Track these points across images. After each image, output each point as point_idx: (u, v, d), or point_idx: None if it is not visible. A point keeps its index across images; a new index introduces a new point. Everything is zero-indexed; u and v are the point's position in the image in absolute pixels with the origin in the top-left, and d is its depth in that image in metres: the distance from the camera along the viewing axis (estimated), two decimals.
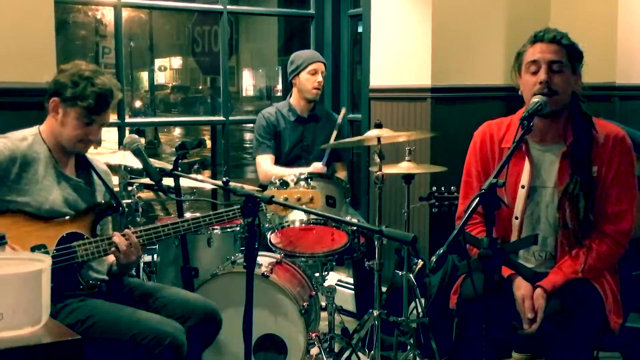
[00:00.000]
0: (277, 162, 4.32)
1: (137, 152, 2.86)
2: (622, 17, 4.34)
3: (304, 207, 2.81)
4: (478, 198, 2.10)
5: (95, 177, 2.87)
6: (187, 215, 3.89)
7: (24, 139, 2.71)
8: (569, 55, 2.65)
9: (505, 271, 2.63)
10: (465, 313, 2.62)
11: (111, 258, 2.78)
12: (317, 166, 4.14)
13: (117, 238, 2.68)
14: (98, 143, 2.81)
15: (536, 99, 2.55)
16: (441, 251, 2.04)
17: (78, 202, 2.76)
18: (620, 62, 4.36)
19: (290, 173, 3.72)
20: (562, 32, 2.70)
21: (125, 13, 4.88)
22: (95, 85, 2.68)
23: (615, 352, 3.66)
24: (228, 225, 3.76)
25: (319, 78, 4.31)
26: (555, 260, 2.71)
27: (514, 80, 2.76)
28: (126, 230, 2.71)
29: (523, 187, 2.72)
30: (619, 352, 3.53)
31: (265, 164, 4.27)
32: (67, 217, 2.70)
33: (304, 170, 3.91)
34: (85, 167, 2.87)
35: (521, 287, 2.61)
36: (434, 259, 2.05)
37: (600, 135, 2.67)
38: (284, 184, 3.42)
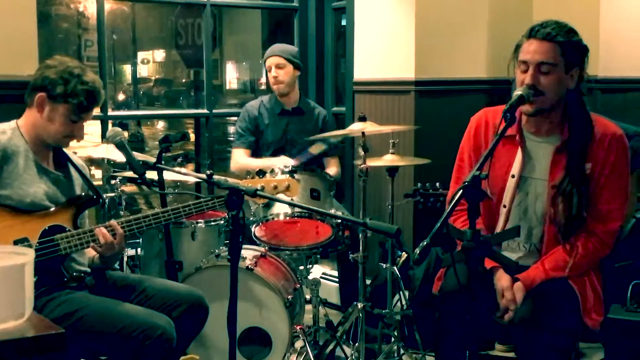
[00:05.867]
0: (261, 154, 4.33)
1: (120, 145, 2.84)
2: (604, 11, 4.38)
3: (282, 196, 2.81)
4: (461, 190, 2.11)
5: (72, 170, 2.86)
6: None
7: (2, 132, 2.70)
8: (564, 52, 2.58)
9: (488, 263, 2.64)
10: (447, 305, 2.63)
11: (92, 252, 2.77)
12: (288, 162, 4.12)
13: (99, 231, 2.67)
14: (81, 137, 2.80)
15: (518, 91, 2.54)
16: (425, 243, 2.05)
17: (58, 195, 2.76)
18: (602, 55, 4.40)
19: (263, 164, 3.73)
20: (562, 24, 2.62)
21: (108, 5, 4.86)
22: (85, 84, 2.68)
23: (597, 343, 3.70)
24: (212, 219, 3.76)
25: (274, 73, 4.30)
26: (540, 253, 2.72)
27: (512, 71, 2.70)
28: (110, 221, 2.70)
29: (513, 176, 2.72)
30: (601, 344, 3.56)
31: (239, 157, 4.31)
32: (49, 210, 2.69)
33: (288, 163, 3.92)
34: (62, 161, 2.86)
35: (501, 278, 2.63)
36: (417, 251, 2.06)
37: (598, 133, 2.64)
38: (261, 172, 3.41)
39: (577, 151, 2.62)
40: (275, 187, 2.83)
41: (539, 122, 2.70)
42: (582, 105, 2.68)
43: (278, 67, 4.30)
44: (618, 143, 2.65)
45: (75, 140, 2.80)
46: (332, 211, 3.54)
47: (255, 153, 4.36)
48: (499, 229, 2.74)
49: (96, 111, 2.87)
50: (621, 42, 4.46)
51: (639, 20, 4.64)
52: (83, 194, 2.82)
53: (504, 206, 2.73)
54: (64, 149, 2.87)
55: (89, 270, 2.83)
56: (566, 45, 2.58)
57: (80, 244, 2.66)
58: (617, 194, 2.66)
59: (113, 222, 2.70)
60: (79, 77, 2.68)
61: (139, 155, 3.01)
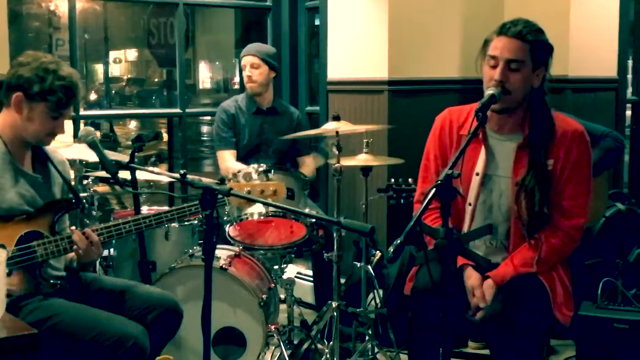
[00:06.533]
0: (238, 154, 4.32)
1: (92, 145, 2.82)
2: (574, 11, 4.43)
3: (268, 200, 2.80)
4: (434, 189, 2.12)
5: (53, 170, 2.81)
6: (144, 208, 3.88)
7: None
8: (533, 51, 2.61)
9: (459, 261, 2.66)
10: (420, 303, 2.64)
11: (70, 254, 2.74)
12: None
13: (77, 236, 2.63)
14: (62, 132, 2.75)
15: (490, 91, 2.57)
16: (398, 241, 2.06)
17: (36, 198, 2.70)
18: (573, 55, 4.44)
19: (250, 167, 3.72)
20: (532, 24, 2.65)
21: (80, 4, 4.81)
22: (62, 79, 2.62)
23: (568, 340, 3.75)
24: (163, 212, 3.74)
25: (248, 72, 4.30)
26: (507, 250, 2.74)
27: (479, 68, 2.73)
28: (86, 229, 2.66)
29: (477, 174, 2.74)
30: (572, 340, 3.61)
31: (227, 160, 4.26)
32: (25, 216, 2.64)
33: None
34: (42, 160, 2.81)
35: (471, 277, 2.66)
36: (391, 249, 2.06)
37: (559, 130, 2.68)
38: (246, 176, 3.41)
39: (538, 148, 2.65)
40: (262, 192, 2.83)
41: (502, 121, 2.73)
42: (544, 103, 2.71)
43: (252, 66, 4.30)
44: (579, 140, 2.69)
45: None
46: (307, 210, 3.55)
47: None
48: (465, 227, 2.77)
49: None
50: (591, 42, 4.51)
51: (609, 21, 4.70)
52: (61, 198, 2.77)
53: (469, 204, 2.76)
54: (45, 148, 2.81)
55: (64, 274, 2.79)
56: (535, 44, 2.61)
57: (57, 250, 2.62)
58: (580, 189, 2.69)
59: (88, 230, 2.65)
60: (54, 72, 2.62)
61: (111, 155, 2.99)
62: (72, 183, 2.94)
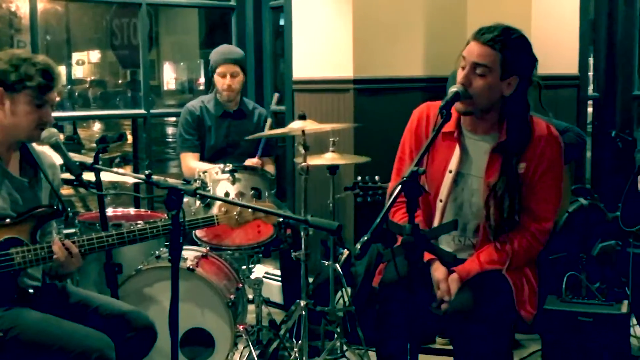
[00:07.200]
0: (203, 156, 4.29)
1: (55, 146, 2.77)
2: (535, 9, 4.48)
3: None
4: (400, 186, 2.13)
5: (42, 175, 2.74)
6: (109, 210, 3.84)
7: None
8: (504, 60, 2.57)
9: (426, 256, 2.68)
10: (387, 297, 2.65)
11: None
12: (252, 160, 4.14)
13: (57, 247, 2.57)
14: (51, 122, 2.68)
15: (454, 88, 2.58)
16: (365, 238, 2.07)
17: (20, 203, 2.64)
18: (535, 52, 4.49)
19: (215, 167, 3.71)
20: (511, 32, 2.61)
21: (41, 5, 4.75)
22: (37, 64, 2.58)
23: (534, 334, 3.79)
24: (151, 220, 3.71)
25: (227, 81, 4.24)
26: (475, 247, 2.76)
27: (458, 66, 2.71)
28: (65, 241, 2.61)
29: (450, 172, 2.75)
30: (538, 334, 3.65)
31: (190, 161, 4.23)
32: (7, 221, 2.57)
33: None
34: (30, 163, 2.74)
35: (437, 270, 2.68)
36: (358, 245, 2.07)
37: (534, 134, 2.68)
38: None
39: (512, 154, 2.66)
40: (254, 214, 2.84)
41: (476, 121, 2.74)
42: (522, 111, 2.69)
43: (232, 75, 4.25)
44: (553, 144, 2.70)
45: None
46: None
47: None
48: (435, 223, 2.79)
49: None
50: (553, 40, 4.57)
51: (570, 19, 4.77)
52: (46, 205, 2.70)
53: (440, 201, 2.77)
54: (35, 151, 2.74)
55: (39, 284, 2.72)
56: (507, 54, 2.58)
57: (36, 259, 2.56)
58: (551, 193, 2.71)
59: (67, 241, 2.60)
60: (28, 60, 2.58)
61: (75, 157, 2.95)
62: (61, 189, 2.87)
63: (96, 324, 2.63)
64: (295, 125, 3.57)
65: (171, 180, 2.66)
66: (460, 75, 2.62)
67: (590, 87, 5.37)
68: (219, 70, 4.25)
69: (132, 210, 4.05)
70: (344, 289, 3.75)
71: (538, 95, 2.73)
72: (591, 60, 5.39)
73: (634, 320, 3.61)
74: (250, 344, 3.45)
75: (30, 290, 2.64)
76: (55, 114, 2.75)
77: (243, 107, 4.40)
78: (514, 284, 2.68)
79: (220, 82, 4.25)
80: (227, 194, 3.46)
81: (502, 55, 2.58)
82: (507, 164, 2.66)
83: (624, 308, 3.17)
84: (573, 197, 3.99)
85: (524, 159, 2.67)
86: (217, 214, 2.88)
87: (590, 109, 5.43)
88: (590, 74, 5.37)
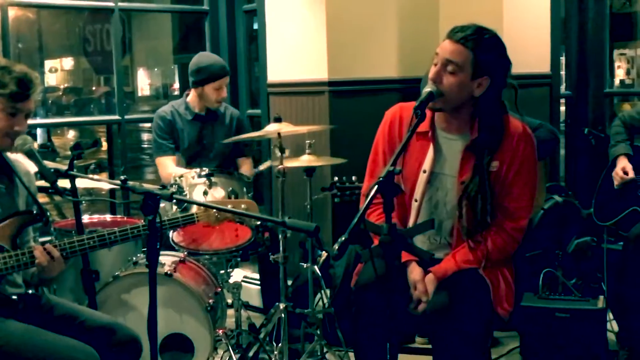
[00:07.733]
0: (177, 159, 4.28)
1: (29, 154, 2.74)
2: (507, 8, 4.52)
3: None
4: (377, 186, 2.14)
5: (18, 181, 2.71)
6: (85, 217, 3.81)
7: None
8: (475, 59, 2.57)
9: (403, 256, 2.69)
10: (363, 297, 2.65)
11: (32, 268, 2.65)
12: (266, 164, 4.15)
13: (38, 252, 2.55)
14: (24, 130, 2.66)
15: (428, 88, 2.60)
16: (343, 238, 2.07)
17: None
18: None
19: (191, 171, 3.70)
20: (485, 33, 2.61)
21: (12, 12, 4.70)
22: (12, 73, 2.56)
23: (512, 331, 3.82)
24: (128, 226, 3.69)
25: (224, 93, 4.25)
26: (450, 246, 2.77)
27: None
28: (46, 245, 2.58)
29: (425, 171, 2.75)
30: (516, 331, 3.68)
31: (168, 166, 4.20)
32: None
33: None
34: (5, 171, 2.71)
35: (414, 271, 2.69)
36: (336, 246, 2.08)
37: (507, 132, 2.68)
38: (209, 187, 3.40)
39: (484, 154, 2.66)
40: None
41: (450, 120, 2.74)
42: (495, 111, 2.69)
43: (225, 85, 4.26)
44: (526, 143, 2.70)
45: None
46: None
47: None
48: (410, 222, 2.79)
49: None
50: (524, 39, 4.60)
51: (541, 18, 4.81)
52: (24, 210, 2.68)
53: (415, 200, 2.78)
54: (9, 158, 2.72)
55: (22, 292, 2.69)
56: (478, 53, 2.58)
57: (17, 265, 2.54)
58: (525, 191, 2.72)
59: (49, 245, 2.58)
60: (5, 68, 2.56)
61: (49, 164, 2.93)
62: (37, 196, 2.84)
63: (82, 337, 2.60)
64: (271, 128, 3.58)
65: (147, 186, 2.65)
66: (432, 71, 2.63)
67: (563, 86, 5.43)
68: (215, 84, 4.20)
69: (108, 217, 4.03)
70: (323, 291, 3.75)
71: (514, 97, 2.75)
72: (563, 59, 5.44)
73: (610, 315, 3.65)
74: (230, 348, 3.44)
75: (14, 297, 2.61)
76: (28, 121, 2.72)
77: (217, 109, 4.38)
78: (491, 282, 2.70)
79: (214, 94, 4.21)
80: (205, 193, 3.45)
81: (473, 54, 2.58)
82: (480, 165, 2.66)
83: (601, 303, 3.21)
84: (548, 195, 4.03)
85: (498, 157, 2.68)
86: (197, 212, 2.87)
87: (562, 107, 5.48)
88: (562, 72, 5.42)
